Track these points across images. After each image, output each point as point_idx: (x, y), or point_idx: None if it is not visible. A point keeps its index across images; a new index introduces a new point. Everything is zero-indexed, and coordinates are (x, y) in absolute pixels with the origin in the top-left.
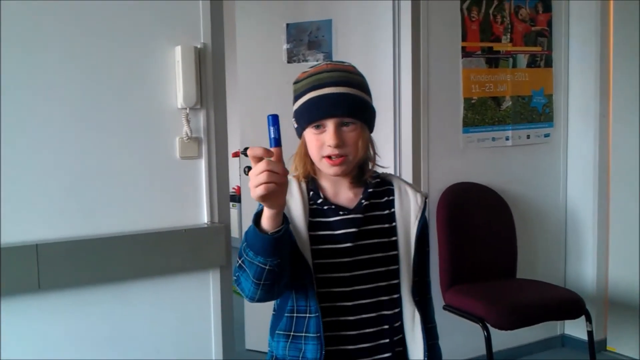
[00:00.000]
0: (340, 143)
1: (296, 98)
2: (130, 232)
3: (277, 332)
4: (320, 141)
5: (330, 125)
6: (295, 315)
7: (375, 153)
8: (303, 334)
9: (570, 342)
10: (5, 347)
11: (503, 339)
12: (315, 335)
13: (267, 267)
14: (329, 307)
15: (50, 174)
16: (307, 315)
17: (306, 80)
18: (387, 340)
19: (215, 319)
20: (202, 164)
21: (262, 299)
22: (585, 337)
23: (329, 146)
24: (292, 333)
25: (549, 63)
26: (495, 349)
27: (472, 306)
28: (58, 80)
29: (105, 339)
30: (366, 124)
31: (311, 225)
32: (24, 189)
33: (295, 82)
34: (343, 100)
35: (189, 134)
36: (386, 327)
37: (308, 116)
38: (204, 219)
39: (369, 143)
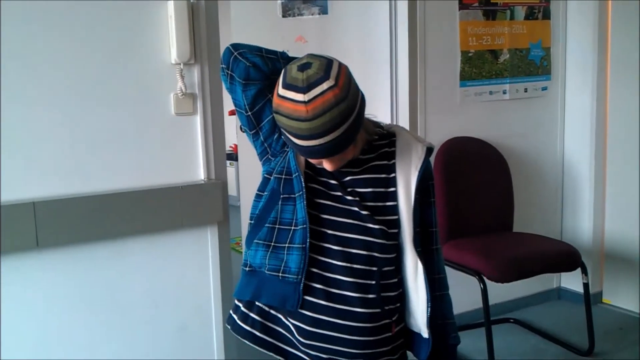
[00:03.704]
0: (338, 166)
1: (278, 124)
2: (127, 189)
3: (255, 241)
4: (317, 160)
5: (324, 159)
6: (277, 226)
7: (374, 122)
8: (286, 245)
9: (566, 294)
10: (5, 305)
11: (500, 292)
12: (300, 245)
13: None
14: (319, 231)
15: (46, 132)
16: (292, 227)
17: (285, 120)
18: (373, 282)
19: (214, 274)
20: (198, 120)
21: (242, 46)
22: (581, 289)
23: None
24: (273, 243)
25: (547, 15)
26: (491, 302)
27: (469, 260)
28: (51, 39)
29: (104, 295)
30: (359, 130)
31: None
32: (20, 147)
33: (275, 112)
34: (332, 147)
35: (184, 90)
36: (374, 269)
37: (297, 152)
38: (201, 175)
39: (364, 128)
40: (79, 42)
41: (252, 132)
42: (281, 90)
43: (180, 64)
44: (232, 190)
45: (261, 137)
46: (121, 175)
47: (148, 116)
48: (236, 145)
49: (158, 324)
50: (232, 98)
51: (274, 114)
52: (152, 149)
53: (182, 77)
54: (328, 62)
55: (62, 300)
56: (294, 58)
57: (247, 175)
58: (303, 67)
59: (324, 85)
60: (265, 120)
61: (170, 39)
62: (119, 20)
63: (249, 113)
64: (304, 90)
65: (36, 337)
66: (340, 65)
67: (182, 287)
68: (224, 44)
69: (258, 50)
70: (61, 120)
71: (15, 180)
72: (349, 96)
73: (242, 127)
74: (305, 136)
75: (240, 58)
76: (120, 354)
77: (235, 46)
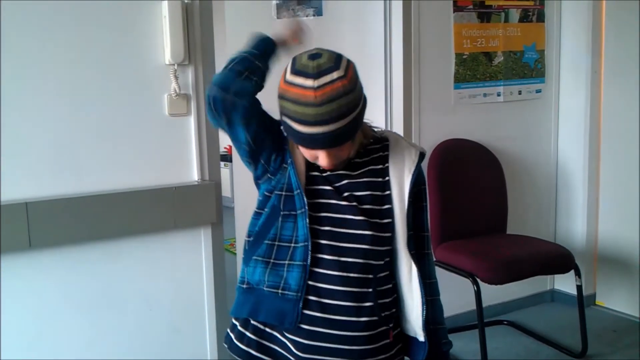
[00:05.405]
0: (334, 164)
1: (281, 112)
2: (120, 190)
3: (254, 257)
4: (313, 154)
5: (322, 152)
6: (277, 243)
7: (370, 127)
8: (286, 262)
9: (559, 296)
10: None
11: (493, 294)
12: (301, 263)
13: (253, 59)
14: (314, 243)
15: (39, 132)
16: (292, 245)
17: (291, 106)
18: (370, 290)
19: (207, 275)
20: (192, 120)
21: (228, 81)
22: (574, 291)
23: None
24: (272, 260)
25: (541, 18)
26: (485, 303)
27: (463, 261)
28: (44, 39)
29: (98, 296)
30: (359, 127)
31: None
32: (12, 147)
33: (280, 97)
34: (334, 137)
35: (178, 91)
36: (370, 276)
37: (297, 141)
38: (194, 176)
39: (362, 130)
40: (72, 41)
41: (253, 160)
42: (289, 76)
43: (174, 64)
44: (226, 192)
45: (262, 161)
46: (114, 175)
47: (142, 117)
48: (230, 147)
49: (151, 325)
50: (231, 137)
51: (279, 100)
52: (146, 149)
53: (176, 77)
54: (337, 55)
55: (55, 300)
56: (278, 47)
57: (241, 177)
58: (314, 57)
59: (334, 75)
60: (267, 147)
61: (164, 39)
62: (113, 20)
63: (254, 147)
64: (314, 77)
65: (28, 337)
66: (349, 60)
67: (175, 288)
68: (218, 45)
69: (239, 72)
70: (54, 121)
71: (7, 180)
72: (356, 90)
73: (241, 158)
74: (309, 122)
75: (237, 99)
76: (113, 354)
77: (223, 86)
